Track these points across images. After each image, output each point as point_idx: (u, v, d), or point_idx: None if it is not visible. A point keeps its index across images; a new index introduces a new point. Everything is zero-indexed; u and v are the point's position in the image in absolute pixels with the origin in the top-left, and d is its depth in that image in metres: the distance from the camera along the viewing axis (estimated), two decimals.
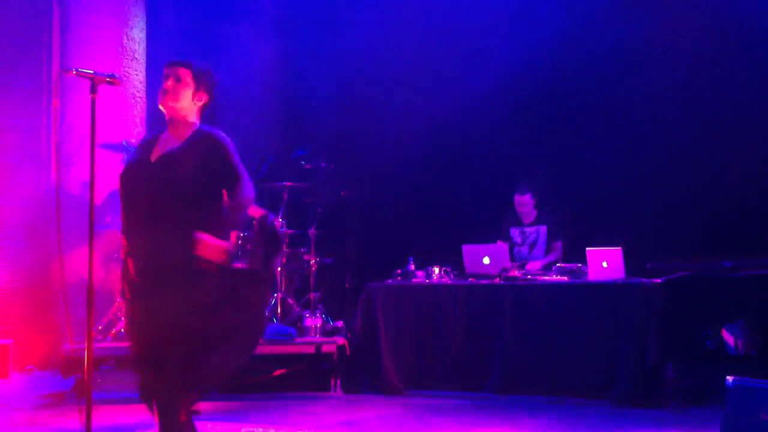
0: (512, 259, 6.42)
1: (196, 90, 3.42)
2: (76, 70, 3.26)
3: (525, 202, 6.53)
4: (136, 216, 3.29)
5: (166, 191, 3.23)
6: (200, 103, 3.45)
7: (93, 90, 3.21)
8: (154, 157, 3.35)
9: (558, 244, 6.50)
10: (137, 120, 7.22)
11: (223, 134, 3.44)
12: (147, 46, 7.43)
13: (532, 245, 6.57)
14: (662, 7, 7.13)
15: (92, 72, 3.25)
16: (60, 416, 5.00)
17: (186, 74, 3.41)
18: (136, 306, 3.32)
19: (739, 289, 5.27)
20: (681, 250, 6.30)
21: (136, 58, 7.26)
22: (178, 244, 3.18)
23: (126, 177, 3.36)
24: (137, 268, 3.27)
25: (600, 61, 7.10)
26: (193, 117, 3.45)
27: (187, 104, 3.41)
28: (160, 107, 3.44)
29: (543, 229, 6.54)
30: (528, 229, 6.60)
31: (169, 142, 3.40)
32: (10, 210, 6.80)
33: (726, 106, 6.86)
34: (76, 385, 5.56)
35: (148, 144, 3.47)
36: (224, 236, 3.32)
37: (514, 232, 6.63)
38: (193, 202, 3.25)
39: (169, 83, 3.40)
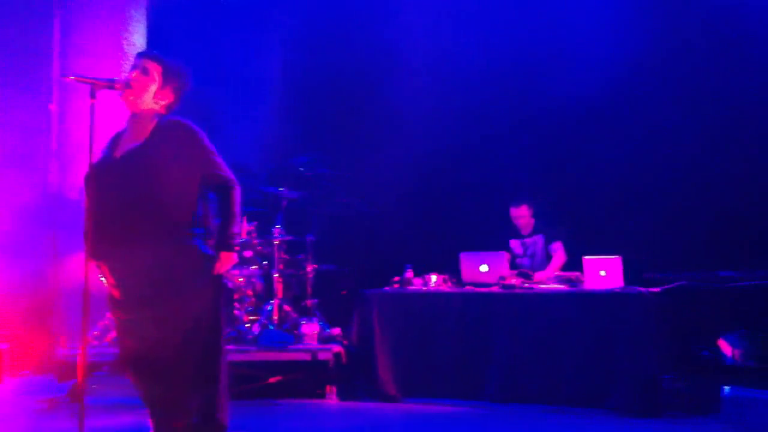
0: (513, 269, 6.44)
1: (162, 87, 3.20)
2: (75, 76, 3.21)
3: (521, 214, 6.59)
4: (108, 220, 3.01)
5: (136, 190, 3.00)
6: (163, 103, 3.22)
7: (92, 95, 3.17)
8: (118, 155, 3.13)
9: (558, 245, 6.50)
10: None
11: (190, 121, 3.19)
12: None
13: (533, 256, 6.59)
14: (659, 20, 7.15)
15: (91, 77, 3.19)
16: (54, 421, 4.98)
17: (154, 68, 3.20)
18: (120, 322, 3.13)
19: (736, 300, 5.28)
20: (679, 260, 6.29)
21: None
22: (159, 255, 2.98)
23: (92, 179, 3.06)
24: (117, 282, 3.05)
25: (599, 72, 7.10)
26: (155, 113, 3.19)
27: (149, 101, 3.19)
28: (122, 99, 3.20)
29: (540, 238, 6.57)
30: (527, 240, 6.64)
31: (132, 138, 3.16)
32: (7, 214, 6.78)
33: (725, 117, 6.89)
34: (71, 390, 5.54)
35: (111, 143, 3.24)
36: (199, 230, 3.10)
37: (515, 244, 6.67)
38: (166, 198, 3.01)
39: (135, 75, 3.18)
